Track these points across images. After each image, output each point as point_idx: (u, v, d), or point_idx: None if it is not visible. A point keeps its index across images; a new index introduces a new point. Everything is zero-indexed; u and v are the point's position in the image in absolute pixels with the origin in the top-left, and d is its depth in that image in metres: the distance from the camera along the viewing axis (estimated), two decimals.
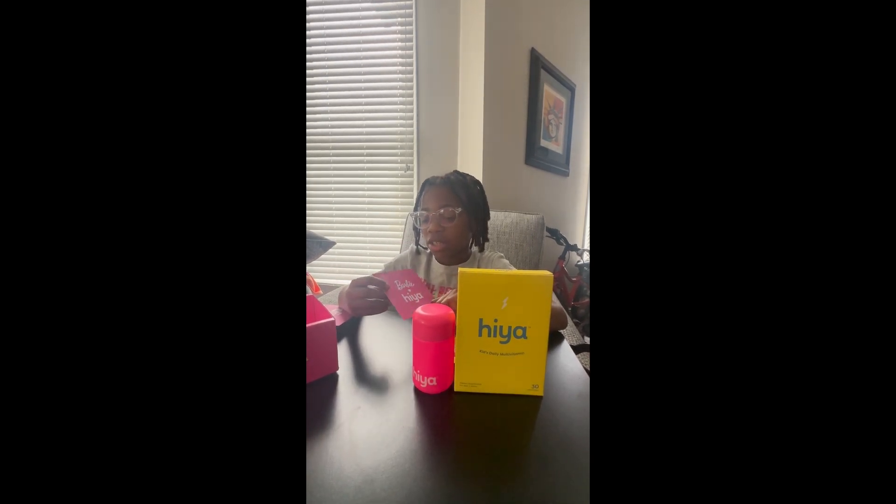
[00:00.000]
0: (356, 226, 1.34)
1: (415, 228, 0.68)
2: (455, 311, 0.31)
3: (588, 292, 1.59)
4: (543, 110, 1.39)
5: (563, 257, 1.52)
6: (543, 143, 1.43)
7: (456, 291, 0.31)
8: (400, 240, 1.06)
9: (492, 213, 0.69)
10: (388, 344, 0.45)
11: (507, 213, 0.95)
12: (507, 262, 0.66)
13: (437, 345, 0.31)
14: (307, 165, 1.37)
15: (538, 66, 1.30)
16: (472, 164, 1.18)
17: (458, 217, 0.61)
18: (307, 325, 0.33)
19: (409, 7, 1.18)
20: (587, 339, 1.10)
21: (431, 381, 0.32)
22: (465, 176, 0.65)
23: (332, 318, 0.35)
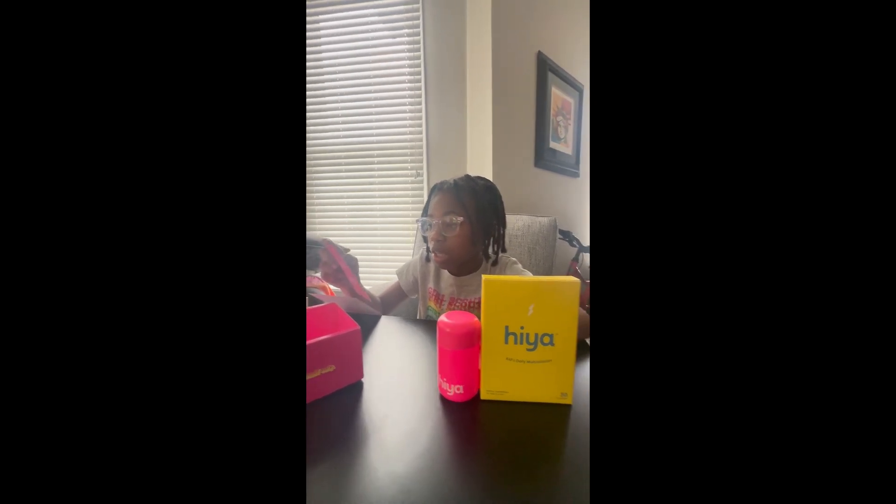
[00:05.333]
0: (368, 232, 1.36)
1: (423, 236, 0.65)
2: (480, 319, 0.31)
3: None
4: (552, 112, 1.38)
5: (576, 259, 1.50)
6: (553, 144, 1.42)
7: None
8: (411, 246, 1.06)
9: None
10: (408, 350, 0.46)
11: (518, 216, 0.94)
12: (520, 266, 0.63)
13: (463, 352, 0.31)
14: (321, 174, 1.39)
15: (545, 69, 1.30)
16: (481, 167, 1.18)
17: (461, 227, 0.56)
18: (334, 335, 0.33)
19: (417, 18, 1.20)
20: None
21: (458, 389, 0.32)
22: (475, 181, 0.60)
23: (357, 328, 0.35)
